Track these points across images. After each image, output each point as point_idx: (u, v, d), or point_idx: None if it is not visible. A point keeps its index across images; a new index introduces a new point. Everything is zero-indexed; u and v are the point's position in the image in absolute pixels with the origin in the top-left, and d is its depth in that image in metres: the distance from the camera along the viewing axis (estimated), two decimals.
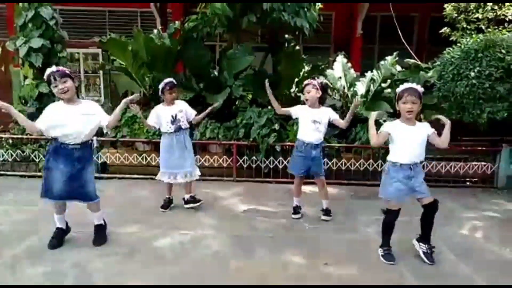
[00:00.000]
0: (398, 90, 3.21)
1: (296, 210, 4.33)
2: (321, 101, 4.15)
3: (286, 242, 3.66)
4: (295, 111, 4.22)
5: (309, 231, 3.98)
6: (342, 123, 4.09)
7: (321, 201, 4.32)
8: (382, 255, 3.32)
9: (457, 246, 3.61)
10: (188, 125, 4.41)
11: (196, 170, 4.52)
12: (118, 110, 3.38)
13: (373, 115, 3.39)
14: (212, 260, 3.27)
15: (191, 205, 4.46)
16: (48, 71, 3.20)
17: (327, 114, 4.12)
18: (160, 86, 4.27)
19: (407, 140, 3.15)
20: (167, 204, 4.48)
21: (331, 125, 4.25)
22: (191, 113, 4.47)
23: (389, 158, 3.27)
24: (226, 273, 3.07)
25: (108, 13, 10.59)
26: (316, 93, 4.05)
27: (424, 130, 3.20)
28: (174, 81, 4.30)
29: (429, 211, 3.22)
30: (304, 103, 4.20)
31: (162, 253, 3.37)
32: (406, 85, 3.17)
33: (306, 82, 4.19)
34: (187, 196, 4.50)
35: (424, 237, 3.30)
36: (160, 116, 4.27)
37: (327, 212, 4.28)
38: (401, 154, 3.18)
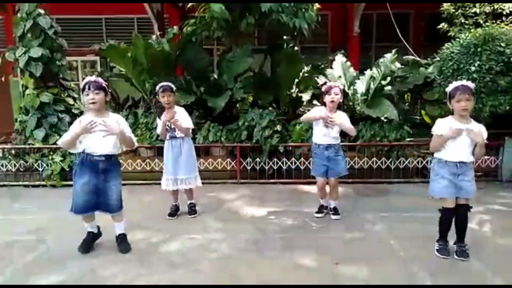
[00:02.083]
0: (449, 89, 3.16)
1: (321, 209, 4.36)
2: (339, 106, 4.19)
3: (294, 243, 3.65)
4: (315, 113, 4.17)
5: (317, 231, 3.98)
6: (352, 133, 4.24)
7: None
8: (436, 249, 3.32)
9: (466, 240, 3.61)
10: (183, 134, 4.26)
11: (195, 180, 4.40)
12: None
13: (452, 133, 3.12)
14: (221, 264, 3.26)
15: (193, 215, 4.42)
16: (87, 79, 3.29)
17: (338, 118, 4.09)
18: (156, 89, 4.26)
19: (457, 138, 3.09)
20: (174, 211, 4.42)
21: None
22: (186, 124, 4.23)
23: (435, 154, 3.27)
24: (236, 276, 3.06)
25: (105, 21, 10.60)
26: (341, 97, 4.10)
27: (479, 130, 3.12)
28: (169, 84, 4.19)
29: (461, 214, 3.25)
30: (323, 105, 4.18)
31: (172, 258, 3.36)
32: (456, 83, 3.12)
33: (331, 84, 4.16)
34: (187, 203, 4.48)
35: (458, 238, 3.34)
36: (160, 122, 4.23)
37: (335, 211, 4.29)
38: (448, 151, 3.15)
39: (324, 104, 4.17)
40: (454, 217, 3.30)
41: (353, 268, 3.14)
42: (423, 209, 3.34)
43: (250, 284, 2.94)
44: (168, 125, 4.19)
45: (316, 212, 4.35)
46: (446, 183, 3.16)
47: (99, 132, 3.25)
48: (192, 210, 4.46)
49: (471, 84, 3.09)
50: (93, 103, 3.23)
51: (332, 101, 4.05)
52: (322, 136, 4.13)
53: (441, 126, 3.18)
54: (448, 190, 3.17)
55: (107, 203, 3.39)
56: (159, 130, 4.29)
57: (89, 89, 3.21)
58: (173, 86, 4.22)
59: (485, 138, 3.12)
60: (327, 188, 4.29)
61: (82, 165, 3.33)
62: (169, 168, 4.29)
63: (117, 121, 3.35)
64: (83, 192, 3.30)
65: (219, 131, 6.05)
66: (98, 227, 3.61)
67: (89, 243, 3.50)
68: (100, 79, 3.33)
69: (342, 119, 4.11)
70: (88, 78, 3.30)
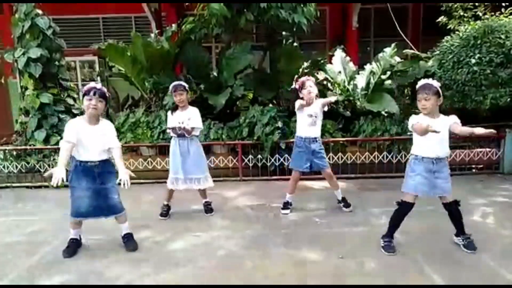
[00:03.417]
0: (417, 87, 3.18)
1: (286, 205, 4.39)
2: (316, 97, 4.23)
3: (299, 238, 3.66)
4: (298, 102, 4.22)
5: (321, 226, 3.98)
6: (332, 99, 4.32)
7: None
8: (382, 246, 3.34)
9: (469, 232, 3.61)
10: (195, 134, 4.26)
11: (206, 180, 4.35)
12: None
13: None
14: (227, 261, 3.27)
15: (211, 213, 4.41)
16: (92, 84, 3.29)
17: (318, 105, 4.19)
18: (169, 90, 4.31)
19: (429, 134, 3.03)
20: (166, 211, 4.36)
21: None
22: (195, 125, 4.19)
23: (412, 151, 3.27)
24: (242, 273, 3.06)
25: (102, 20, 10.56)
26: (316, 89, 4.17)
27: (446, 122, 3.08)
28: (181, 83, 4.23)
29: (451, 209, 3.26)
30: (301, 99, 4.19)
31: (177, 256, 3.37)
32: (420, 82, 3.13)
33: (304, 79, 4.23)
34: (203, 202, 4.47)
35: (459, 231, 3.35)
36: (172, 119, 4.22)
37: (345, 202, 4.37)
38: (423, 148, 3.14)
39: (302, 98, 4.18)
40: (448, 215, 3.30)
41: (358, 262, 3.15)
42: (426, 203, 3.35)
43: (255, 281, 2.94)
44: (179, 122, 4.17)
45: (283, 208, 4.38)
46: (421, 180, 3.16)
47: (91, 142, 3.26)
48: (208, 208, 4.45)
49: (434, 83, 3.06)
50: (94, 109, 3.23)
51: (310, 93, 4.11)
52: (308, 126, 4.17)
53: (415, 119, 3.14)
54: (421, 188, 3.17)
55: (110, 205, 3.40)
56: (170, 125, 4.23)
57: (94, 94, 3.22)
58: (185, 84, 4.23)
59: (457, 121, 3.04)
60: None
61: (76, 171, 3.32)
62: (177, 167, 4.24)
63: (108, 127, 3.38)
64: (83, 197, 3.30)
65: (220, 129, 6.05)
66: (80, 236, 3.58)
67: (74, 249, 3.47)
68: (104, 88, 3.35)
69: (319, 102, 4.20)
70: (93, 84, 3.31)
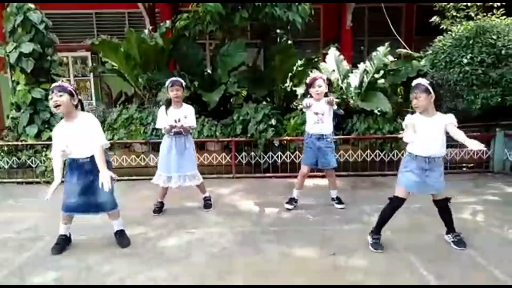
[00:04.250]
0: None
1: (291, 201, 4.40)
2: (325, 94, 4.24)
3: (291, 235, 3.68)
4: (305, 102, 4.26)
5: (313, 223, 4.01)
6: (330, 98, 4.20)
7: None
8: (371, 244, 3.36)
9: (459, 230, 3.66)
10: (189, 131, 4.28)
11: (198, 175, 4.36)
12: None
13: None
14: (220, 258, 3.28)
15: (208, 209, 4.42)
16: (52, 85, 3.26)
17: (325, 103, 4.18)
18: (166, 84, 4.26)
19: (423, 132, 3.11)
20: (160, 208, 4.37)
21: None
22: (190, 123, 4.22)
23: (407, 148, 3.30)
24: (235, 270, 3.07)
25: (96, 15, 10.48)
26: (325, 87, 4.17)
27: (441, 121, 3.11)
28: (178, 79, 4.21)
29: (441, 206, 3.31)
30: (310, 97, 4.23)
31: (170, 253, 3.37)
32: (413, 83, 3.19)
33: (314, 76, 4.26)
34: (203, 197, 4.49)
35: (449, 229, 3.41)
36: (166, 117, 4.17)
37: (339, 200, 4.42)
38: (417, 146, 3.17)
39: (311, 96, 4.23)
40: (438, 212, 3.36)
41: (350, 259, 3.18)
42: (417, 201, 3.40)
43: (248, 278, 2.95)
44: (175, 120, 4.14)
45: (287, 203, 4.40)
46: (412, 176, 3.19)
47: (71, 139, 3.21)
48: (207, 204, 4.46)
49: (423, 81, 3.12)
50: (56, 106, 3.14)
51: (317, 93, 4.15)
52: (314, 123, 4.19)
53: (411, 119, 3.21)
54: (413, 183, 3.20)
55: (98, 203, 3.35)
56: (163, 125, 4.17)
57: (52, 92, 3.16)
58: (182, 81, 4.21)
59: (453, 122, 3.06)
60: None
61: (71, 167, 3.32)
62: (170, 165, 4.21)
63: (86, 121, 3.25)
64: (73, 192, 3.28)
65: (214, 126, 6.05)
66: (70, 234, 3.54)
67: (63, 246, 3.43)
68: (65, 84, 3.28)
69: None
70: (54, 84, 3.28)
